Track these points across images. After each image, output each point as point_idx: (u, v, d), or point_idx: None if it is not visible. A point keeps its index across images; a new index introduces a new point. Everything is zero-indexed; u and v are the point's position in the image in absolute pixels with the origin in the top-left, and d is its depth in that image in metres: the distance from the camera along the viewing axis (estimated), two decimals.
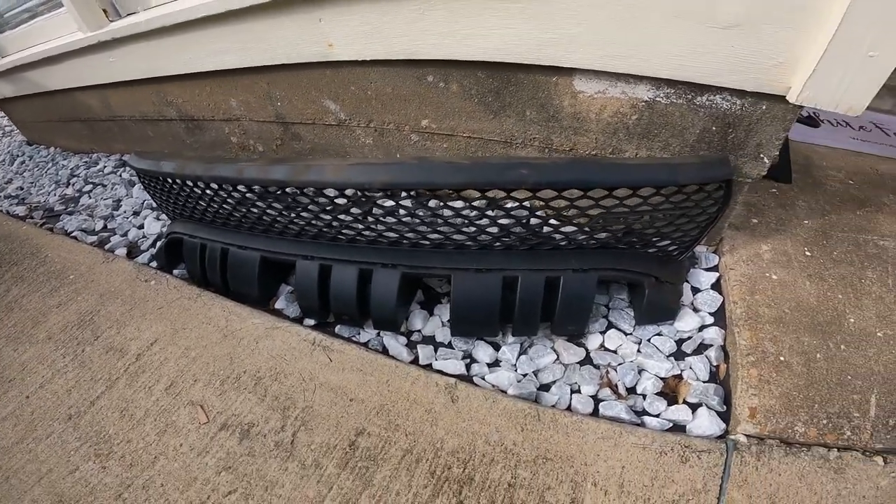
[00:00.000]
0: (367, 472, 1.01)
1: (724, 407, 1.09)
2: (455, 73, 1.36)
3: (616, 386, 1.16)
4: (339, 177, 1.10)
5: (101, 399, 1.22)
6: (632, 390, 1.16)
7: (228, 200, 1.31)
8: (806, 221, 1.41)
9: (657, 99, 1.15)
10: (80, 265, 1.70)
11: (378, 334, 1.33)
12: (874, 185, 1.63)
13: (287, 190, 1.21)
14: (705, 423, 1.05)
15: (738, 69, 1.00)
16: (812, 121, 1.54)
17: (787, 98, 0.99)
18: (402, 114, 1.53)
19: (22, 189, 2.54)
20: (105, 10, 1.98)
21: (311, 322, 1.39)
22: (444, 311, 1.36)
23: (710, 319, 1.26)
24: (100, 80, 2.21)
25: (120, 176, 2.38)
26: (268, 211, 1.27)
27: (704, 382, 1.14)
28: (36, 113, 2.99)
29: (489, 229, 1.14)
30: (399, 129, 1.57)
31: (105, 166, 2.52)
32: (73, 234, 1.95)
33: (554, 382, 1.19)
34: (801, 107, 0.99)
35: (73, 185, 2.39)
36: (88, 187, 2.32)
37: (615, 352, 1.23)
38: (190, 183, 1.36)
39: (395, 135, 1.59)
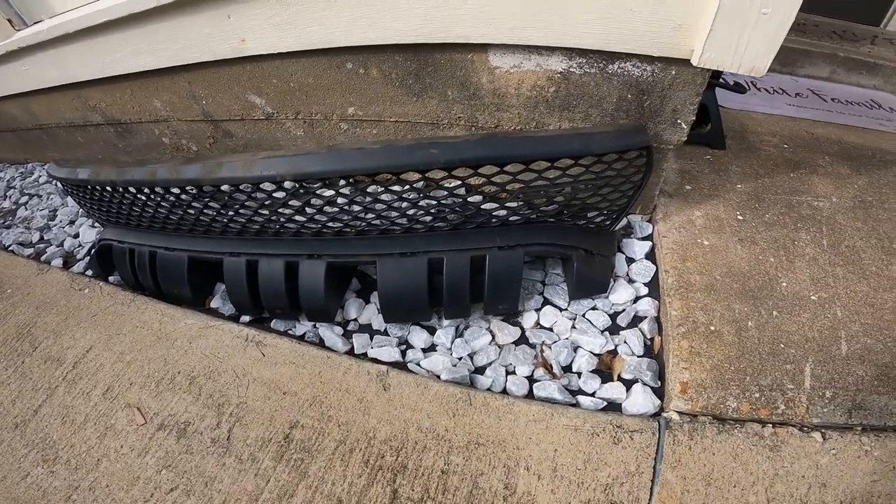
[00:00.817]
0: (303, 464, 1.01)
1: (659, 382, 1.08)
2: (373, 58, 1.33)
3: (551, 365, 1.14)
4: (249, 171, 1.06)
5: (44, 407, 1.23)
6: (567, 369, 1.15)
7: (148, 203, 1.27)
8: (739, 186, 1.40)
9: (571, 70, 1.13)
10: (17, 279, 1.66)
11: (314, 326, 1.31)
12: (809, 148, 1.63)
13: (204, 188, 1.17)
14: (640, 400, 1.04)
15: (642, 34, 0.98)
16: (739, 87, 1.53)
17: (691, 61, 0.97)
18: (327, 103, 1.49)
19: None
20: (10, 20, 1.96)
21: (247, 318, 1.36)
22: (377, 299, 1.34)
23: (645, 290, 1.24)
24: (17, 90, 2.17)
25: (55, 185, 2.31)
26: (188, 211, 1.24)
27: (639, 357, 1.13)
28: None
29: (409, 212, 1.12)
30: (327, 118, 1.53)
31: (40, 176, 2.45)
32: (11, 248, 1.89)
33: (489, 364, 1.17)
34: (707, 70, 0.98)
35: (10, 197, 2.32)
36: (25, 199, 2.25)
37: (550, 329, 1.22)
38: (109, 189, 1.32)
39: (325, 125, 1.56)
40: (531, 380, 1.13)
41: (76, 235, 1.88)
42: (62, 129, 2.27)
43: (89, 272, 1.66)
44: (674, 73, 1.04)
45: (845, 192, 1.42)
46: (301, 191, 1.11)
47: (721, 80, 1.53)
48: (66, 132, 2.27)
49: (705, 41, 0.91)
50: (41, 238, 1.93)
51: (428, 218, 1.12)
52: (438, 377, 1.15)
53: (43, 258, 1.78)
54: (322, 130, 1.58)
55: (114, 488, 1.03)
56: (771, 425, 0.95)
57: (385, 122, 1.46)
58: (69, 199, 2.12)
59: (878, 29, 3.32)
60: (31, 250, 1.87)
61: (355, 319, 1.32)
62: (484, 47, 1.18)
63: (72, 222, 1.98)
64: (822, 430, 0.94)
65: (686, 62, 0.99)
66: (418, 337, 1.23)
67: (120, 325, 1.38)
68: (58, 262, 1.76)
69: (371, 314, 1.31)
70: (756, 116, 1.87)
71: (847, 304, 1.10)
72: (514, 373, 1.15)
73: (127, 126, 2.00)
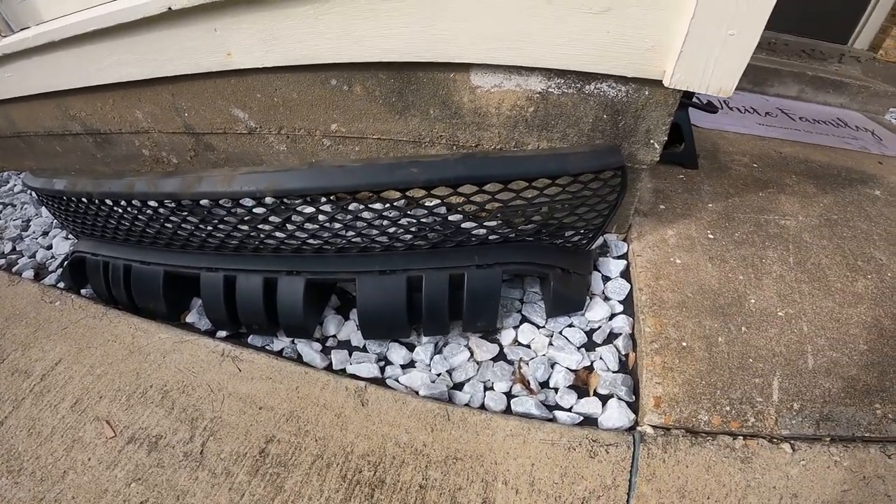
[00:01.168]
0: (279, 479, 1.00)
1: (634, 397, 1.10)
2: (357, 75, 1.34)
3: (528, 381, 1.16)
4: (229, 186, 1.06)
5: (10, 419, 1.20)
6: (544, 384, 1.17)
7: (124, 216, 1.26)
8: (710, 205, 1.45)
9: (549, 90, 1.16)
10: None
11: (292, 342, 1.30)
12: (777, 167, 1.69)
13: (182, 203, 1.16)
14: (615, 414, 1.05)
15: (617, 55, 1.02)
16: (711, 107, 1.59)
17: (662, 82, 1.01)
18: (311, 119, 1.50)
19: None
20: None
21: (224, 334, 1.35)
22: (357, 316, 1.34)
23: (620, 308, 1.27)
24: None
25: (30, 195, 2.27)
26: (165, 225, 1.23)
27: (614, 373, 1.15)
28: None
29: (389, 230, 1.13)
30: (310, 134, 1.54)
31: (15, 185, 2.40)
32: None
33: (468, 381, 1.18)
34: (678, 91, 1.02)
35: None
36: None
37: (528, 346, 1.24)
38: (84, 200, 1.30)
39: (308, 140, 1.56)
40: (509, 395, 1.14)
41: (49, 247, 1.84)
42: (40, 138, 2.24)
43: (61, 284, 1.63)
44: (647, 93, 1.08)
45: (811, 210, 1.47)
46: (282, 207, 1.11)
47: (695, 99, 1.58)
48: (45, 141, 2.24)
49: (676, 62, 0.95)
50: (13, 249, 1.89)
51: (408, 236, 1.14)
52: (417, 393, 1.15)
53: (14, 269, 1.74)
54: (305, 146, 1.59)
55: (80, 500, 1.01)
56: (742, 437, 0.98)
57: (368, 139, 1.47)
58: (44, 209, 2.08)
59: (845, 47, 3.44)
60: (2, 261, 1.82)
61: (334, 336, 1.32)
62: (466, 66, 1.21)
63: (45, 233, 1.94)
64: (791, 442, 0.96)
65: (658, 83, 1.03)
66: (397, 353, 1.24)
67: (91, 339, 1.35)
68: (29, 273, 1.72)
69: (350, 331, 1.31)
70: (728, 136, 1.94)
71: (813, 320, 1.14)
72: (492, 388, 1.16)
73: (106, 136, 1.98)
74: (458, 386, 1.18)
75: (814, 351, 1.08)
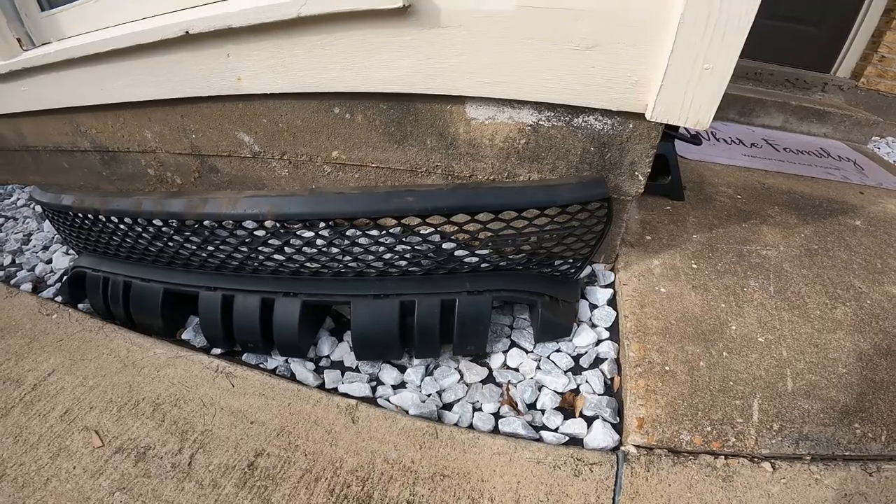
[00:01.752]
0: (266, 491, 1.01)
1: (618, 419, 1.13)
2: (359, 104, 1.41)
3: (516, 403, 1.19)
4: (233, 209, 1.11)
5: None
6: (532, 406, 1.20)
7: (129, 234, 1.30)
8: (695, 236, 1.50)
9: (540, 122, 1.22)
10: None
11: (286, 361, 1.33)
12: (760, 198, 1.76)
13: (186, 223, 1.21)
14: (600, 435, 1.08)
15: (603, 90, 1.08)
16: (696, 139, 1.66)
17: (645, 115, 1.07)
18: (313, 145, 1.56)
19: None
20: (19, 40, 1.99)
21: (218, 351, 1.37)
22: (350, 337, 1.37)
23: (606, 334, 1.31)
24: (11, 109, 2.18)
25: (32, 209, 2.31)
26: (168, 244, 1.27)
27: (599, 395, 1.18)
28: None
29: (384, 256, 1.17)
30: (312, 160, 1.59)
31: (18, 198, 2.44)
32: None
33: (457, 401, 1.21)
34: (661, 124, 1.08)
35: None
36: (0, 220, 2.24)
37: (516, 369, 1.27)
38: (90, 216, 1.35)
39: (309, 166, 1.62)
40: (497, 416, 1.17)
41: (49, 261, 1.87)
42: (48, 153, 2.28)
43: (59, 298, 1.65)
44: (631, 126, 1.15)
45: (792, 240, 1.53)
46: (282, 231, 1.16)
47: (681, 131, 1.65)
48: (52, 156, 2.28)
49: (657, 96, 1.01)
50: (13, 261, 1.92)
51: (403, 262, 1.18)
52: (407, 412, 1.18)
53: (13, 282, 1.77)
54: (306, 172, 1.64)
55: None
56: (723, 457, 1.00)
57: (367, 166, 1.53)
58: (46, 223, 2.12)
59: (828, 76, 3.48)
60: (1, 273, 1.85)
61: (328, 356, 1.35)
62: (462, 99, 1.27)
63: (45, 248, 1.97)
64: (772, 461, 0.99)
65: (641, 116, 1.09)
66: (389, 374, 1.27)
67: (86, 351, 1.37)
68: (27, 286, 1.74)
69: (343, 352, 1.34)
70: (714, 167, 2.01)
71: (792, 345, 1.18)
72: (480, 409, 1.19)
73: (114, 154, 2.03)
74: (448, 406, 1.21)
75: (793, 374, 1.12)
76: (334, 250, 1.17)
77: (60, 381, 1.30)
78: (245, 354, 1.35)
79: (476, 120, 1.30)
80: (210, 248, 1.23)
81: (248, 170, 1.76)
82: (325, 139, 1.53)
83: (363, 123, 1.44)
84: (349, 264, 1.19)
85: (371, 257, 1.16)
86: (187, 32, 1.42)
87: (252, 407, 1.18)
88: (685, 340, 1.19)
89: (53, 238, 2.02)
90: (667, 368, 1.13)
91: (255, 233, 1.17)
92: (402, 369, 1.29)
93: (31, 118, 2.16)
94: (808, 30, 3.41)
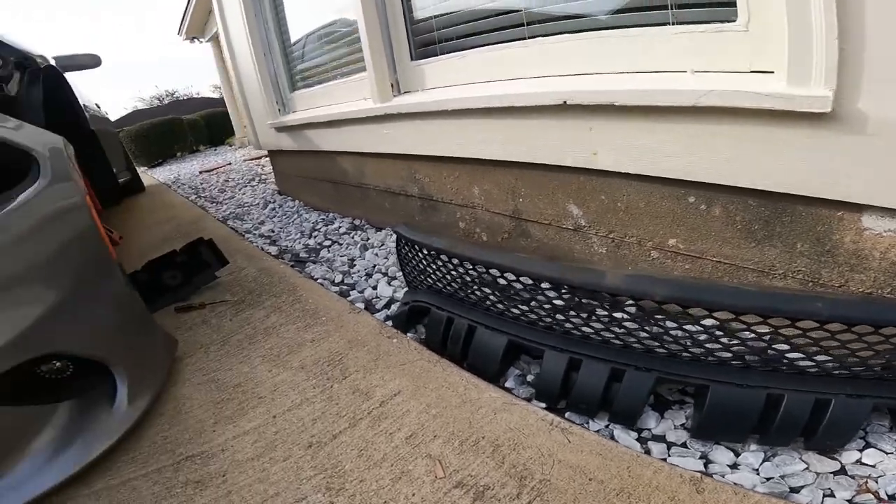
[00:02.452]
0: None
1: None
2: (721, 197, 1.40)
3: (876, 491, 1.06)
4: (619, 284, 1.19)
5: (343, 435, 1.32)
6: (893, 497, 1.05)
7: (496, 285, 1.46)
8: None
9: None
10: (331, 310, 1.94)
11: (607, 426, 1.35)
12: None
13: (564, 288, 1.32)
14: None
15: None
16: None
17: None
18: (648, 229, 1.57)
19: (273, 232, 3.02)
20: (392, 85, 2.26)
21: (542, 405, 1.44)
22: (675, 415, 1.35)
23: None
24: (366, 149, 2.47)
25: (353, 238, 2.73)
26: (532, 303, 1.39)
27: None
28: (294, 167, 3.43)
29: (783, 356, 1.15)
30: (640, 243, 1.60)
31: (340, 226, 2.91)
32: (319, 281, 2.24)
33: (805, 486, 1.12)
34: None
35: (315, 237, 2.79)
36: (327, 242, 2.69)
37: (874, 466, 1.14)
38: (455, 261, 1.54)
39: (634, 248, 1.63)
40: (851, 503, 1.06)
41: (375, 287, 2.18)
42: (377, 192, 2.61)
43: (389, 323, 1.89)
44: None
45: None
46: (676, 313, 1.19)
47: None
48: (379, 195, 2.60)
49: None
50: (343, 280, 2.27)
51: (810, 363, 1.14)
52: (753, 489, 1.11)
53: (349, 299, 2.07)
54: (627, 253, 1.66)
55: None
56: None
57: (704, 259, 1.49)
58: (367, 253, 2.49)
59: None
60: (336, 288, 2.20)
61: (649, 429, 1.34)
62: (860, 207, 1.20)
63: (368, 275, 2.30)
64: None
65: None
66: (723, 455, 1.22)
67: (426, 380, 1.49)
68: (360, 306, 2.01)
69: (667, 427, 1.33)
70: None
71: None
72: (832, 496, 1.09)
73: (434, 203, 2.27)
74: (794, 490, 1.12)
75: None
76: (708, 339, 1.17)
77: (406, 403, 1.41)
78: (568, 413, 1.40)
79: (871, 231, 1.21)
80: (583, 315, 1.31)
81: (563, 241, 1.82)
82: (666, 226, 1.54)
83: (720, 216, 1.42)
84: (717, 353, 1.18)
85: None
86: (565, 102, 1.50)
87: (589, 464, 1.18)
88: None
89: (374, 267, 2.35)
90: None
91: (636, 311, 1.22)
92: (736, 452, 1.23)
93: (376, 159, 2.44)
94: None
